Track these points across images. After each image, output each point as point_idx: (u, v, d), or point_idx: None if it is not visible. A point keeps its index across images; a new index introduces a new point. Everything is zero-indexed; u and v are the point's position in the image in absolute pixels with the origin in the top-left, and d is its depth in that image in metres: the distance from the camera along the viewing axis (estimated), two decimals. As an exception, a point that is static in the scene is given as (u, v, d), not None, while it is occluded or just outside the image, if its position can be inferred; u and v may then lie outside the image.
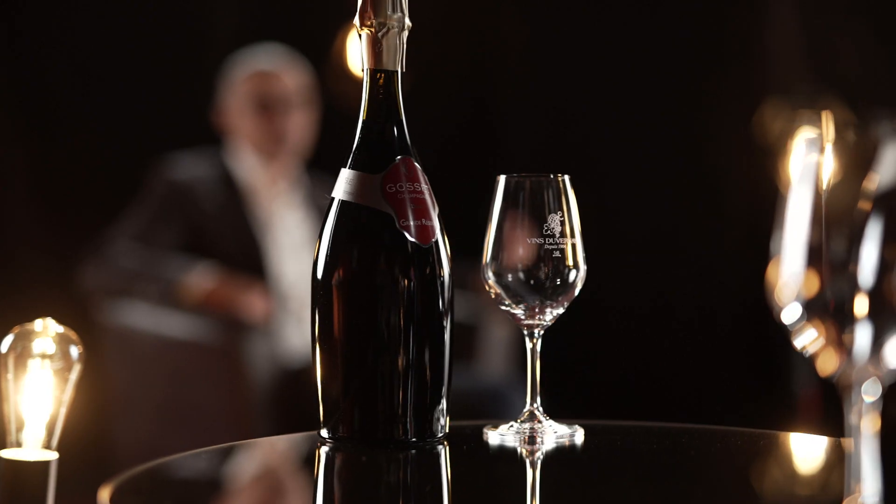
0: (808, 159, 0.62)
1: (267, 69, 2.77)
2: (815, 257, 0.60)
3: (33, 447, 0.91)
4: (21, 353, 0.92)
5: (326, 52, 3.41)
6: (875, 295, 0.59)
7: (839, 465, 0.91)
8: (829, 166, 0.61)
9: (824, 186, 0.61)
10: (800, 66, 3.15)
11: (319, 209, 2.76)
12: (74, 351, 0.93)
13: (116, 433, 2.72)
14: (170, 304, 2.58)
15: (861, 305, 0.59)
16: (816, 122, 0.62)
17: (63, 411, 0.92)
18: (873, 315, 0.59)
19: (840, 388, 0.62)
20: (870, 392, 0.62)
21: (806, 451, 0.98)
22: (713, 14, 3.37)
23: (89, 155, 3.27)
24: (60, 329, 0.94)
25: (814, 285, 0.60)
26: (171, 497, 0.82)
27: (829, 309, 0.60)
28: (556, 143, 3.50)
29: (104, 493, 0.76)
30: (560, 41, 3.49)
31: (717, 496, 0.83)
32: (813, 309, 0.60)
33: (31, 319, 0.94)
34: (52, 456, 0.92)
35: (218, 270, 2.58)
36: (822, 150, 0.62)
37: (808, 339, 0.61)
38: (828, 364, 0.62)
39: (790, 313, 0.61)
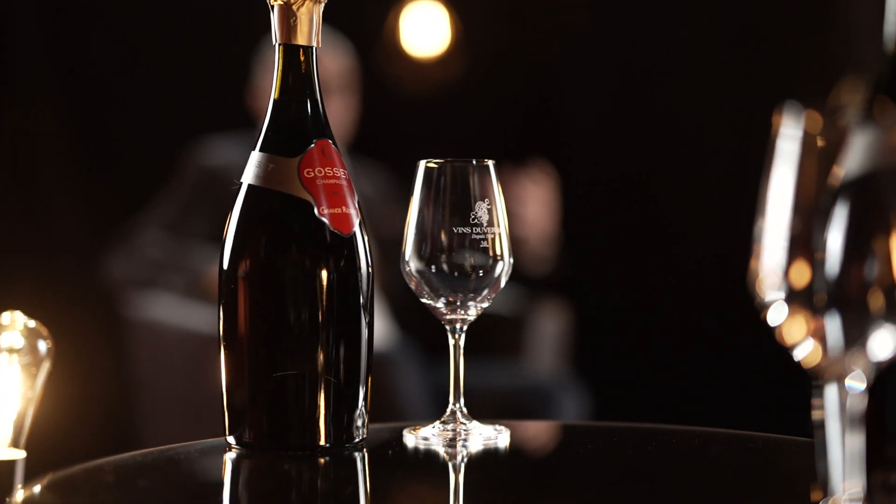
0: (790, 143, 0.59)
1: None
2: (797, 246, 0.58)
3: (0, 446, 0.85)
4: (-13, 346, 0.85)
5: (377, 31, 3.26)
6: (860, 285, 0.57)
7: (765, 467, 0.86)
8: (809, 152, 0.59)
9: (804, 172, 0.58)
10: (881, 43, 3.03)
11: (362, 196, 2.63)
12: (43, 346, 0.87)
13: (140, 427, 2.62)
14: (196, 297, 2.46)
15: (846, 296, 0.57)
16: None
17: (31, 409, 0.86)
18: (858, 306, 0.57)
19: (823, 381, 0.60)
20: (854, 385, 0.59)
21: (736, 449, 0.94)
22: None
23: (124, 139, 3.12)
24: (30, 322, 0.87)
25: (796, 276, 0.58)
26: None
27: (813, 300, 0.58)
28: (619, 131, 3.34)
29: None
30: (622, 21, 3.33)
31: (645, 496, 0.79)
32: (795, 300, 0.58)
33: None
34: (20, 455, 0.85)
35: None
36: (808, 134, 0.58)
37: (790, 332, 0.59)
38: (810, 357, 0.59)
39: (772, 305, 0.59)
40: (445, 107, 3.36)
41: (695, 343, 3.22)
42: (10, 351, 0.87)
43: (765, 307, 0.59)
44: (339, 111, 2.65)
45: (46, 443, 1.08)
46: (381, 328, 2.57)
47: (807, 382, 0.63)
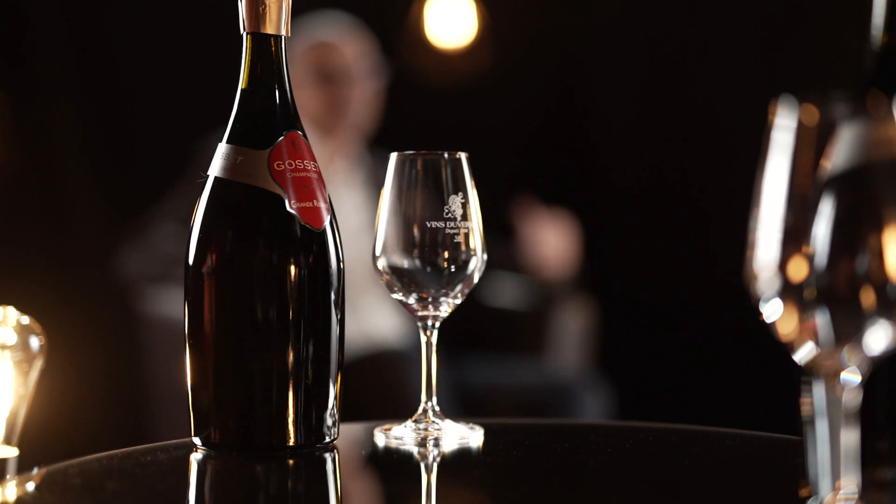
0: (784, 135, 0.57)
1: (327, 40, 2.58)
2: (790, 241, 0.57)
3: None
4: (-21, 342, 0.83)
5: (401, 22, 3.19)
6: (853, 280, 0.56)
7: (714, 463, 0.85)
8: (803, 145, 0.57)
9: (799, 165, 0.57)
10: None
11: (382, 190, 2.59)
12: (35, 342, 0.85)
13: (156, 424, 2.59)
14: None
15: (839, 291, 0.56)
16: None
17: (24, 406, 0.84)
18: (852, 301, 0.56)
19: (817, 377, 0.59)
20: (850, 379, 0.58)
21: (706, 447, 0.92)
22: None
23: (137, 134, 3.06)
24: (23, 318, 0.85)
25: (789, 271, 0.57)
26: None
27: (807, 295, 0.57)
28: (648, 126, 3.25)
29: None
30: (653, 13, 3.24)
31: (620, 497, 0.77)
32: (790, 296, 0.57)
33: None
34: (12, 452, 0.83)
35: None
36: (802, 127, 0.57)
37: (785, 327, 0.58)
38: (806, 352, 0.58)
39: (766, 299, 0.58)
40: (471, 100, 3.26)
41: (722, 342, 3.15)
42: (3, 347, 0.85)
43: (760, 302, 0.58)
44: (362, 99, 2.61)
45: (41, 440, 1.06)
46: (398, 325, 2.51)
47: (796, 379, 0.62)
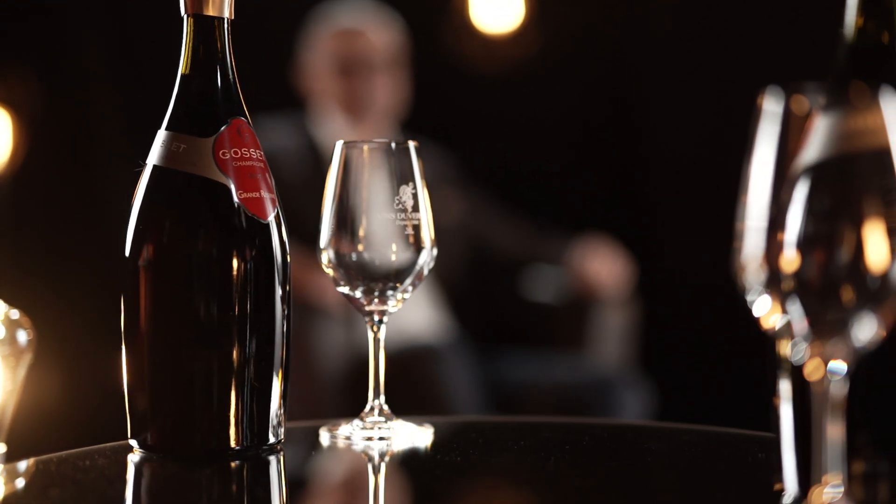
0: (771, 125, 0.56)
1: (351, 27, 2.51)
2: (774, 232, 0.56)
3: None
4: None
5: (445, 5, 3.08)
6: (837, 272, 0.55)
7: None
8: (789, 135, 0.56)
9: (785, 155, 0.56)
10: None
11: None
12: (23, 336, 0.81)
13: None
14: None
15: (824, 283, 0.55)
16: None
17: (12, 401, 0.81)
18: (837, 293, 0.55)
19: (803, 370, 0.58)
20: (836, 370, 0.57)
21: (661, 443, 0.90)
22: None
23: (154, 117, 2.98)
24: (11, 312, 0.82)
25: (774, 262, 0.56)
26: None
27: (794, 287, 0.55)
28: (702, 121, 3.11)
29: None
30: (706, 21, 3.13)
31: (580, 494, 0.75)
32: (775, 286, 0.56)
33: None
34: (0, 449, 0.80)
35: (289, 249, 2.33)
36: (790, 117, 0.56)
37: (770, 318, 0.57)
38: (791, 343, 0.57)
39: (752, 291, 0.57)
40: (518, 88, 3.14)
41: (766, 341, 3.06)
42: (-10, 340, 0.82)
43: (747, 294, 0.57)
44: (389, 87, 2.56)
45: (30, 437, 1.03)
46: (432, 320, 2.47)
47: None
